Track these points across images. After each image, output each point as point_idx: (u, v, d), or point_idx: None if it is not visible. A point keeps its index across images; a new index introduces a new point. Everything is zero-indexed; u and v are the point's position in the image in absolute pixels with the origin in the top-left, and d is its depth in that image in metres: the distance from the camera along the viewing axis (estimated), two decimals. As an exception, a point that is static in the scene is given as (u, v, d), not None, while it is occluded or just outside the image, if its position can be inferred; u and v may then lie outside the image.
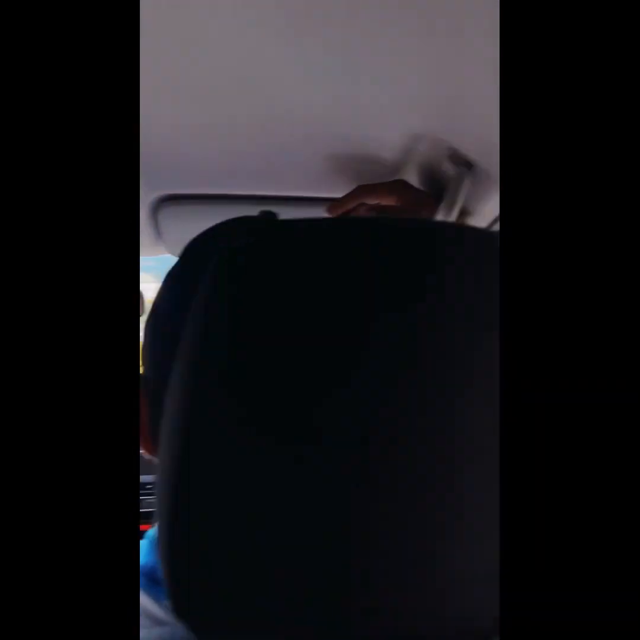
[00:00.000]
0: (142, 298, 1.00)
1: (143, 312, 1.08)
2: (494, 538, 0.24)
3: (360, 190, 0.52)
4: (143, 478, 1.20)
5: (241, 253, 0.25)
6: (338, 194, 0.57)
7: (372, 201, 0.52)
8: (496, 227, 0.59)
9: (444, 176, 0.54)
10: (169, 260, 0.98)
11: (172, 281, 0.37)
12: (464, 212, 0.55)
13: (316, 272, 0.24)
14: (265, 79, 0.45)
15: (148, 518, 0.98)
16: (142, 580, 0.32)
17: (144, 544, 0.35)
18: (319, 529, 0.23)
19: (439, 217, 0.54)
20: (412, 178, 0.56)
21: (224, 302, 0.24)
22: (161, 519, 0.25)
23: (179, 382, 0.25)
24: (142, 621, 0.31)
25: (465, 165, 0.51)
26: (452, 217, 0.53)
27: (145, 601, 0.32)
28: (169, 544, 0.24)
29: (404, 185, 0.52)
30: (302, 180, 0.66)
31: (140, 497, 1.28)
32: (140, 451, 0.36)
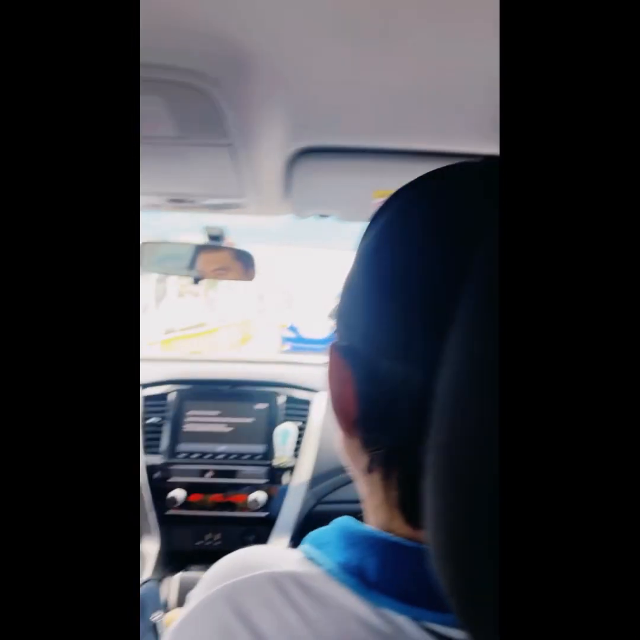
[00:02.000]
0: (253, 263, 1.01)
1: (252, 277, 1.09)
2: None
3: None
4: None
5: None
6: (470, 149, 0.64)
7: None
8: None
9: None
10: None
11: (382, 242, 0.33)
12: None
13: None
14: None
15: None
16: (352, 580, 0.31)
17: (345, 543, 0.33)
18: None
19: None
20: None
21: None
22: (452, 522, 0.22)
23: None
24: (350, 625, 0.29)
25: None
26: None
27: (354, 601, 0.30)
28: (466, 553, 0.22)
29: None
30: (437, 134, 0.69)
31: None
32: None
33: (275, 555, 0.36)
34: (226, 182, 0.78)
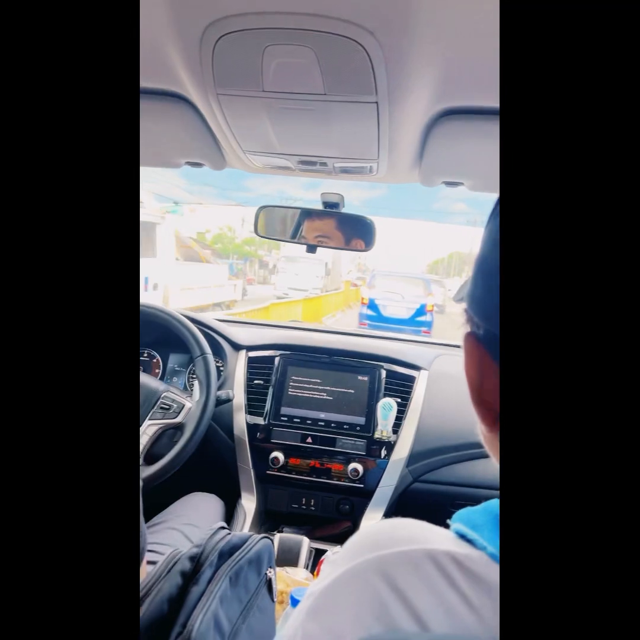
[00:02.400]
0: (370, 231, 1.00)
1: (366, 247, 1.08)
2: None
3: None
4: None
5: None
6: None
7: None
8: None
9: None
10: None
11: None
12: None
13: None
14: None
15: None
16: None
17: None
18: None
19: None
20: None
21: None
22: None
23: None
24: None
25: None
26: None
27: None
28: None
29: None
30: None
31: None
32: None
33: (424, 530, 0.34)
34: (363, 143, 0.76)
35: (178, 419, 1.11)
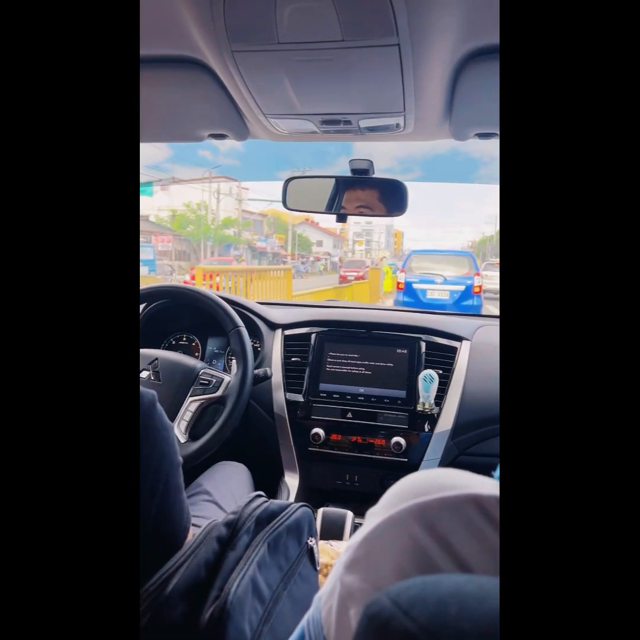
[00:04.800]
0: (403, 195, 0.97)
1: (401, 212, 1.05)
2: None
3: None
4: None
5: None
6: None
7: None
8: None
9: None
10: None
11: None
12: None
13: None
14: None
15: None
16: None
17: None
18: None
19: None
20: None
21: None
22: None
23: None
24: None
25: None
26: None
27: None
28: None
29: None
30: None
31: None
32: None
33: (468, 477, 0.33)
34: (387, 94, 0.72)
35: (218, 393, 1.12)
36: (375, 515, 0.34)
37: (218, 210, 27.52)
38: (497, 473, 0.33)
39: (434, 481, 0.33)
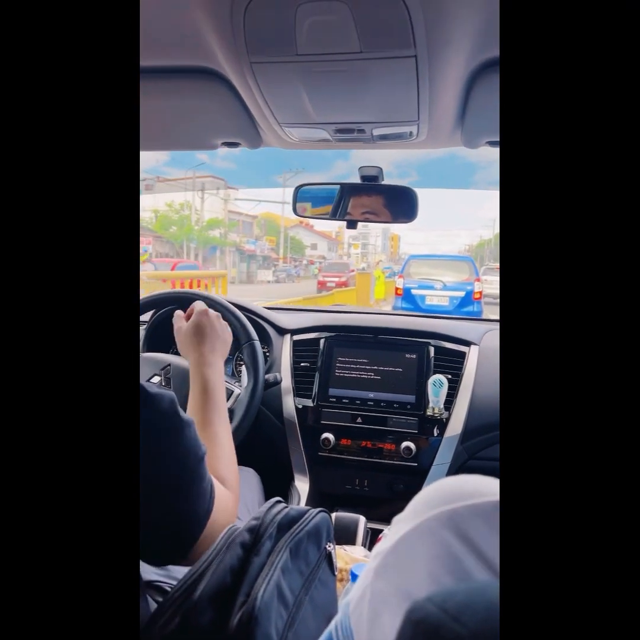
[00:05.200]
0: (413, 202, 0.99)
1: (410, 219, 1.06)
2: None
3: None
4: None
5: None
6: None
7: None
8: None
9: None
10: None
11: None
12: None
13: None
14: None
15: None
16: None
17: None
18: None
19: None
20: None
21: None
22: None
23: None
24: None
25: None
26: None
27: None
28: None
29: None
30: None
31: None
32: None
33: (494, 484, 0.33)
34: (402, 104, 0.73)
35: (227, 405, 1.12)
36: (403, 522, 0.35)
37: (202, 210, 26.24)
38: None
39: (461, 488, 0.34)
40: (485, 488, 0.33)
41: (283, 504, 0.65)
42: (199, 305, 0.97)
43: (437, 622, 0.24)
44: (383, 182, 1.07)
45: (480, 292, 7.87)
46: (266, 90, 0.71)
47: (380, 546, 0.36)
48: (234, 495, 0.69)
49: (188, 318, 0.95)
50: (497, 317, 1.61)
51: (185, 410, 1.12)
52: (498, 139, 0.87)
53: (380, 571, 0.34)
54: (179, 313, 0.97)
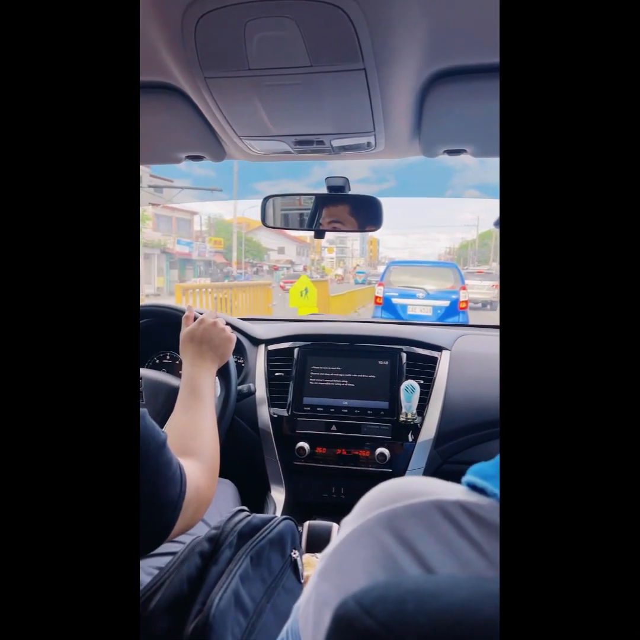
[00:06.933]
0: (377, 211, 1.01)
1: (375, 227, 1.07)
2: None
3: None
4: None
5: None
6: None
7: None
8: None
9: None
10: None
11: None
12: None
13: None
14: None
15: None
16: None
17: None
18: None
19: None
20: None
21: None
22: None
23: None
24: None
25: None
26: None
27: None
28: None
29: None
30: None
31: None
32: None
33: (434, 484, 0.34)
34: (357, 116, 0.75)
35: None
36: (348, 524, 0.35)
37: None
38: (465, 478, 0.34)
39: (401, 489, 0.34)
40: (424, 488, 0.34)
41: (246, 513, 0.65)
42: (206, 314, 1.01)
43: (353, 616, 0.25)
44: (349, 192, 1.09)
45: (466, 302, 7.50)
46: (223, 105, 0.72)
47: (326, 549, 0.37)
48: (212, 473, 0.68)
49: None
50: (479, 324, 1.63)
51: (159, 421, 1.12)
52: (456, 148, 0.89)
53: (323, 573, 0.34)
54: (187, 317, 1.01)
